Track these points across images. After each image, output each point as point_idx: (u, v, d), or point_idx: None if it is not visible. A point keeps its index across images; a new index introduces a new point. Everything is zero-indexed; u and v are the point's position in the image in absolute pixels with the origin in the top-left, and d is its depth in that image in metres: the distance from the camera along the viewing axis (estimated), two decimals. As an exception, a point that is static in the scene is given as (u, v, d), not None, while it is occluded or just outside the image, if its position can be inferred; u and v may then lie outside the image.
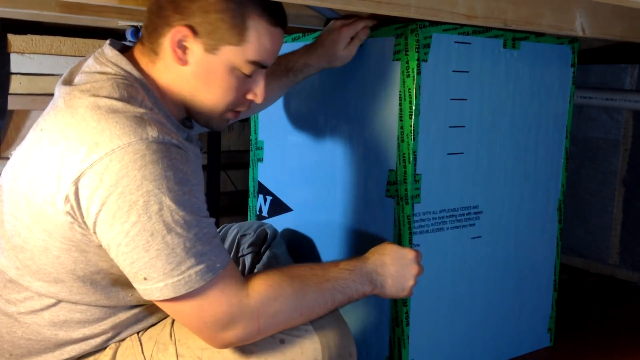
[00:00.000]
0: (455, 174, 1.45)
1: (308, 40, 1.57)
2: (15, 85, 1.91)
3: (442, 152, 1.42)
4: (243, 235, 1.40)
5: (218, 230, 1.41)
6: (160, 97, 0.99)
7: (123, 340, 1.02)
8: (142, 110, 0.90)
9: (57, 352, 0.99)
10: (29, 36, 1.89)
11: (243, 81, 1.01)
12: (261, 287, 0.94)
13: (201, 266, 0.88)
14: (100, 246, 0.91)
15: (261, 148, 1.74)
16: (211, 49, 0.96)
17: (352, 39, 1.36)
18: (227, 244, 1.40)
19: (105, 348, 1.01)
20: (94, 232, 0.88)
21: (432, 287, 1.45)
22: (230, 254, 1.38)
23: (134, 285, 0.91)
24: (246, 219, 1.81)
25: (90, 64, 0.98)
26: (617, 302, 2.14)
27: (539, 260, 1.66)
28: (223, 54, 0.96)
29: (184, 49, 0.96)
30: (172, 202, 0.86)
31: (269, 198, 1.73)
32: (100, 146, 0.85)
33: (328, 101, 1.54)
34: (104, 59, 0.97)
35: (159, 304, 0.92)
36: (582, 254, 2.47)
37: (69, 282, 0.95)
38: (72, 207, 0.87)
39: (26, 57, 1.90)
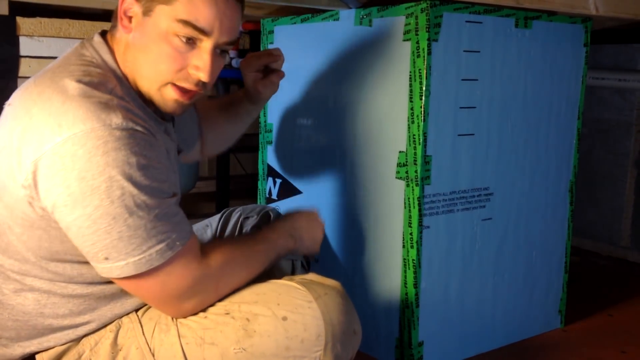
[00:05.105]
0: (466, 155, 1.44)
1: (317, 21, 1.56)
2: (25, 68, 1.90)
3: (453, 134, 1.41)
4: (246, 218, 1.40)
5: (221, 213, 1.42)
6: (134, 88, 0.98)
7: (122, 317, 1.02)
8: (109, 97, 0.90)
9: (50, 336, 0.99)
10: (38, 19, 1.89)
11: (181, 51, 0.95)
12: (217, 255, 1.00)
13: (162, 245, 0.91)
14: (59, 227, 0.91)
15: (270, 131, 1.74)
16: (147, 10, 0.95)
17: (268, 75, 1.31)
18: (229, 227, 1.40)
19: (106, 326, 1.01)
20: (52, 213, 0.89)
21: (442, 268, 1.44)
22: (233, 236, 1.39)
23: (92, 264, 0.92)
24: (255, 202, 1.81)
25: (77, 46, 1.00)
26: (628, 284, 2.13)
27: (550, 242, 1.66)
28: (156, 15, 0.94)
29: (129, 17, 0.97)
30: (134, 187, 0.88)
31: (278, 181, 1.72)
32: (63, 128, 0.86)
33: (337, 83, 1.53)
34: (88, 43, 0.99)
35: (119, 282, 0.95)
36: (594, 237, 2.45)
37: (37, 262, 0.96)
38: (30, 185, 0.88)
39: (35, 40, 1.89)
